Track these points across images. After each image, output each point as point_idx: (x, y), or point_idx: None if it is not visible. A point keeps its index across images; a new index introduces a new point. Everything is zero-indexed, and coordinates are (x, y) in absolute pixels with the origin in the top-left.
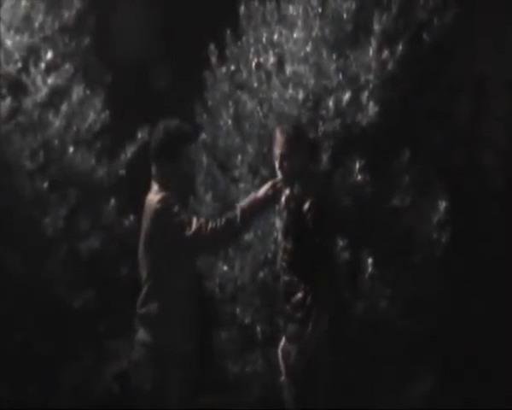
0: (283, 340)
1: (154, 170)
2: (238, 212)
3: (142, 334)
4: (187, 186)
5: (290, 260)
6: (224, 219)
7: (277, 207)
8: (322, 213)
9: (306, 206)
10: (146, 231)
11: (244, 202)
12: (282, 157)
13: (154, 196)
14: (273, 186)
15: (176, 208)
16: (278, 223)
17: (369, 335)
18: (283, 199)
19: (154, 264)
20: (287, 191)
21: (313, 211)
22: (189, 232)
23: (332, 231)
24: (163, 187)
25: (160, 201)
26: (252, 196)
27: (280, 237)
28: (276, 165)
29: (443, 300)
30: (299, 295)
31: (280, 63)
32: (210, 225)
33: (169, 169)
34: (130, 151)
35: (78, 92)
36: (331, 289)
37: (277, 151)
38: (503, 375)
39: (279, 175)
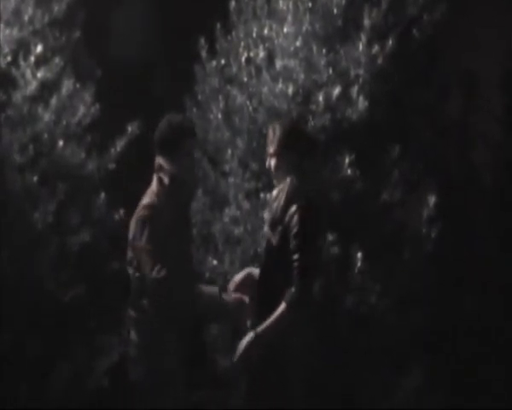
0: None
1: (155, 163)
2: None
3: (133, 334)
4: (187, 184)
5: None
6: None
7: (268, 197)
8: (308, 217)
9: (293, 208)
10: (132, 231)
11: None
12: (270, 156)
13: (148, 194)
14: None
15: (156, 224)
16: (267, 215)
17: (358, 330)
18: (274, 193)
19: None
20: (280, 186)
21: (299, 214)
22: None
23: (320, 235)
24: (160, 183)
25: (147, 207)
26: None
27: (266, 228)
28: (267, 163)
29: (433, 295)
30: (272, 292)
31: (270, 58)
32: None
33: (168, 163)
34: (120, 145)
35: (67, 86)
36: (306, 295)
37: (267, 149)
38: (494, 370)
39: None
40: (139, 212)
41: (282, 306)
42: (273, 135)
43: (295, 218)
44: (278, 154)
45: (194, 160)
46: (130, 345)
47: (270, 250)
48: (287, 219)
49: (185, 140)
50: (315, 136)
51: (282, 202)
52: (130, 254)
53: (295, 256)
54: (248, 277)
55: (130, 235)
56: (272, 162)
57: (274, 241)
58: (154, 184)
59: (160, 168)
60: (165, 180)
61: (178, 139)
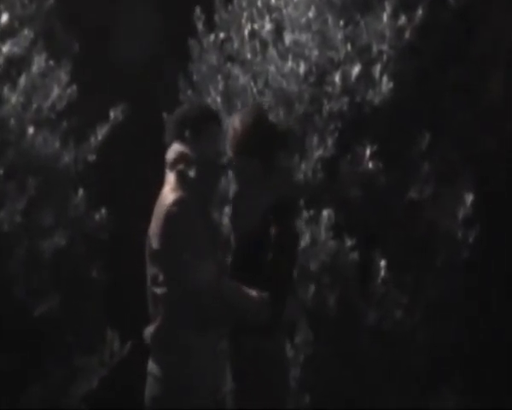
0: None
1: (170, 155)
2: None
3: (154, 367)
4: (214, 173)
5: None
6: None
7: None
8: (283, 226)
9: (268, 218)
10: (157, 238)
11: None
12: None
13: (169, 192)
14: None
15: (190, 221)
16: (235, 217)
17: (382, 349)
18: (238, 195)
19: (171, 280)
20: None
21: (275, 228)
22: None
23: (295, 251)
24: (181, 176)
25: (175, 203)
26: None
27: (238, 233)
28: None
29: (469, 308)
30: None
31: (278, 31)
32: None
33: (193, 150)
34: (101, 133)
35: (39, 63)
36: (280, 306)
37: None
38: None
39: None
40: (165, 211)
41: (264, 295)
42: (233, 134)
43: (271, 228)
44: (238, 160)
45: (220, 145)
46: (149, 378)
47: (241, 256)
48: (261, 228)
49: (211, 123)
50: (284, 129)
51: (252, 212)
52: (153, 268)
53: (270, 268)
54: None
55: (155, 243)
56: (233, 168)
57: (247, 249)
58: (172, 180)
59: (181, 159)
60: (190, 172)
61: (205, 122)
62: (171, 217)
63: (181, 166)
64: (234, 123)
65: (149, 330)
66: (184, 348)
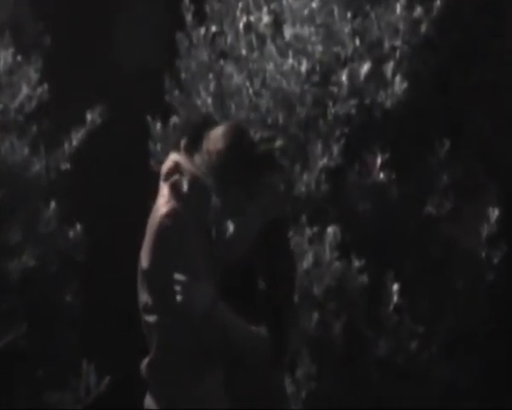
0: None
1: (165, 165)
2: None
3: (150, 402)
4: (206, 192)
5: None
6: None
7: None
8: (276, 247)
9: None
10: (146, 255)
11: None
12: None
13: (162, 205)
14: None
15: (184, 235)
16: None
17: (394, 385)
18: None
19: (161, 302)
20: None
21: (268, 250)
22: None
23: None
24: (174, 191)
25: (167, 215)
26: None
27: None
28: None
29: (493, 339)
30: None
31: (277, 24)
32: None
33: (189, 162)
34: (76, 139)
35: (5, 58)
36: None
37: None
38: None
39: None
40: (156, 223)
41: (263, 330)
42: (207, 157)
43: (263, 253)
44: (214, 185)
45: None
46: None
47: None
48: (251, 254)
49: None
50: (266, 150)
51: (240, 237)
52: (144, 294)
53: (265, 299)
54: None
55: (145, 261)
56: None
57: (236, 278)
58: (166, 192)
59: (176, 169)
60: (184, 183)
61: (201, 132)
62: (163, 230)
63: (175, 178)
64: (208, 144)
65: (144, 363)
66: (181, 380)
